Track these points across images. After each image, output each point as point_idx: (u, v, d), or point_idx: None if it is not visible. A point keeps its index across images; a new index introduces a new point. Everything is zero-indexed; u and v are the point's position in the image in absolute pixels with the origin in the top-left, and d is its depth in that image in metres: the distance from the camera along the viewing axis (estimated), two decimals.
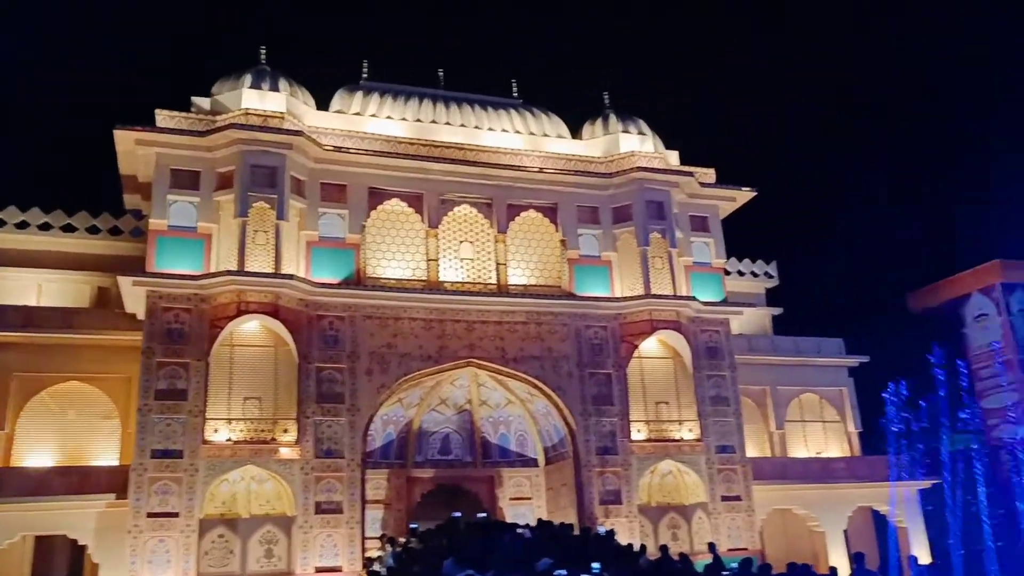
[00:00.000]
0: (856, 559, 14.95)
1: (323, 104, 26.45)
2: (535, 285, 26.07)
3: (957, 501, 26.88)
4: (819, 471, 28.59)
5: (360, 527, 22.34)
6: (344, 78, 27.90)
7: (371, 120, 26.30)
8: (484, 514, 22.68)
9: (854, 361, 31.57)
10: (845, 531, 28.23)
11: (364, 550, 22.19)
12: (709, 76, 59.13)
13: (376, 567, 19.07)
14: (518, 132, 27.80)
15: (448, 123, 27.13)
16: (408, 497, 26.08)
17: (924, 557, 26.82)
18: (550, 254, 26.59)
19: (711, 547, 21.50)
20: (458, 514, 21.01)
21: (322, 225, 24.28)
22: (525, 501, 26.96)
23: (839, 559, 26.63)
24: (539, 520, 22.86)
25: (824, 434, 30.98)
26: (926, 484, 28.73)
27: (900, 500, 28.09)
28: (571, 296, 25.82)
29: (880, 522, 29.06)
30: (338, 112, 26.40)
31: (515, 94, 29.54)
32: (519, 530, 19.49)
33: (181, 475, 21.22)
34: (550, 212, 26.66)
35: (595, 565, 14.61)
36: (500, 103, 28.80)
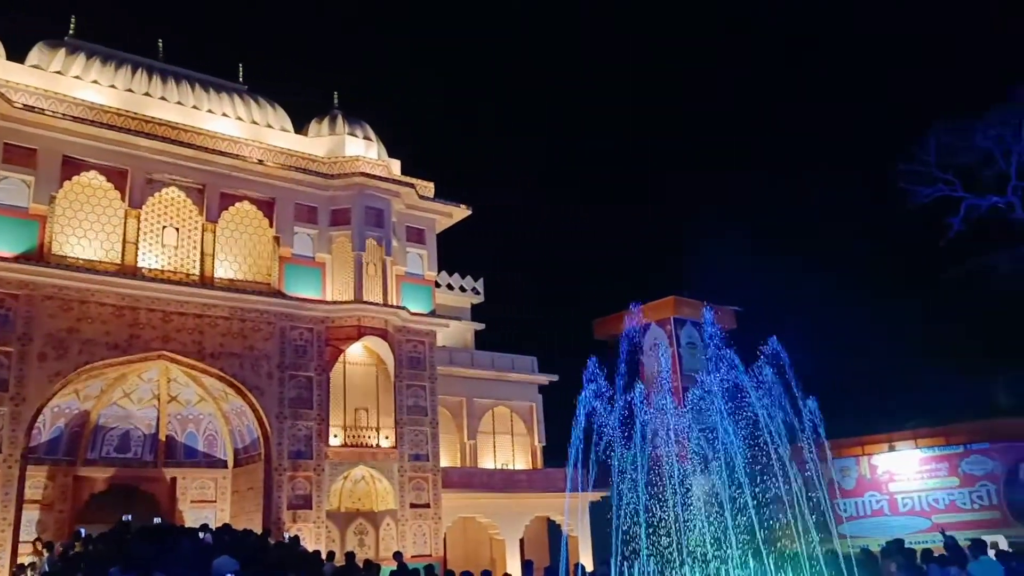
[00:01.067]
0: (525, 567, 15.95)
1: (18, 57, 23.69)
2: (242, 280, 25.10)
3: (623, 512, 29.49)
4: (503, 481, 30.10)
5: (13, 530, 20.05)
6: (46, 32, 25.23)
7: (74, 82, 23.95)
8: (159, 519, 21.34)
9: (544, 379, 33.65)
10: (522, 539, 29.92)
11: (15, 556, 19.94)
12: (433, 89, 60.62)
13: (29, 574, 17.23)
14: (240, 119, 26.69)
15: (164, 98, 25.42)
16: (75, 498, 23.81)
17: (589, 564, 29.11)
18: (261, 249, 25.76)
19: (396, 556, 21.84)
20: (128, 517, 19.57)
21: (1, 190, 21.66)
22: (209, 504, 25.73)
23: (514, 566, 28.18)
24: (223, 525, 21.90)
25: (512, 447, 32.69)
26: (596, 496, 31.23)
27: (573, 511, 30.34)
28: (280, 295, 25.17)
29: (555, 531, 31.18)
30: (35, 67, 23.77)
31: (241, 79, 28.36)
32: (200, 535, 18.57)
33: None
34: (266, 206, 25.86)
35: None
36: (223, 86, 27.50)
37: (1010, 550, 15.89)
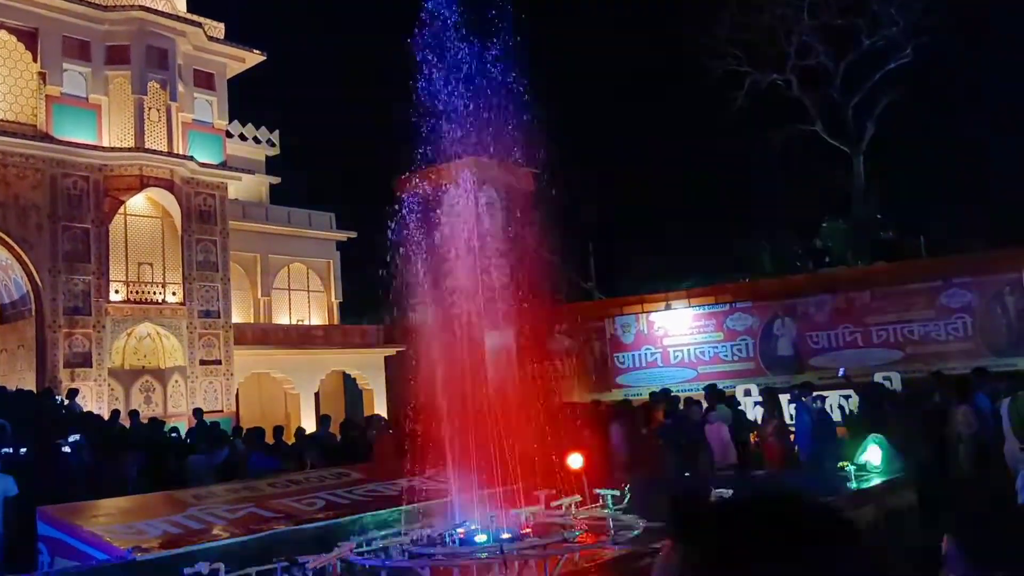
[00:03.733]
0: (322, 421, 16.21)
1: None
2: (2, 120, 22.57)
3: (419, 366, 30.27)
4: (298, 338, 29.95)
5: None
6: None
7: None
8: None
9: (343, 236, 33.21)
10: (317, 393, 30.20)
11: None
12: None
13: None
14: None
15: None
16: None
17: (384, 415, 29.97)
18: (24, 87, 23.16)
19: (196, 412, 21.29)
20: None
21: None
22: None
23: (308, 420, 28.49)
24: None
25: (309, 303, 32.38)
26: (391, 351, 31.85)
27: (369, 365, 30.86)
28: (47, 138, 22.91)
29: (351, 385, 31.67)
30: None
31: None
32: None
33: None
34: (28, 37, 23.08)
35: (74, 437, 13.59)
36: None
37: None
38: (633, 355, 29.38)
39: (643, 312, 29.61)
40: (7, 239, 22.10)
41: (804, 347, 25.26)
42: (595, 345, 31.09)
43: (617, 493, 8.32)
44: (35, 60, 23.10)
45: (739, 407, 16.05)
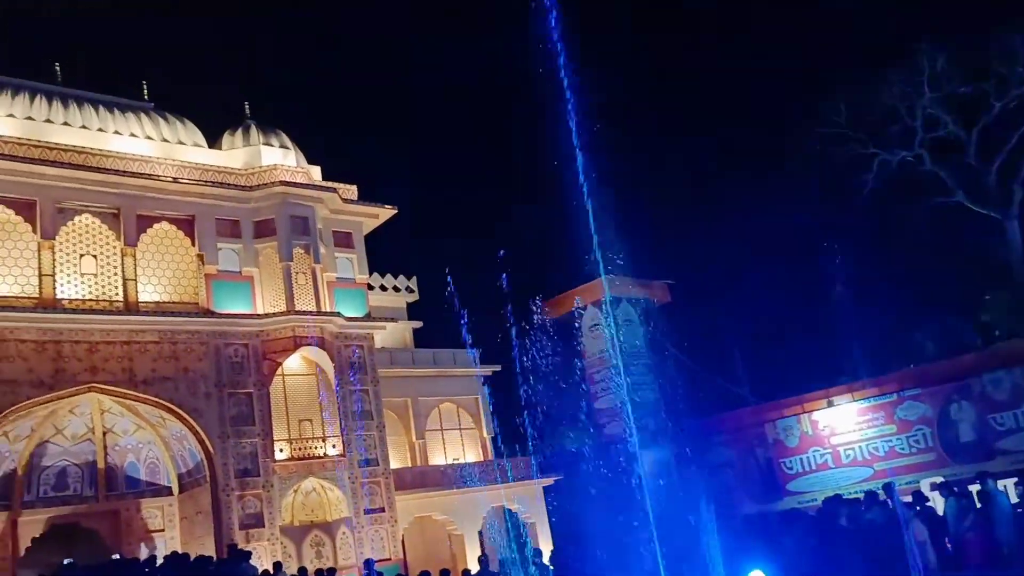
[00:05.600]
0: (481, 563, 15.96)
1: None
2: (169, 302, 24.48)
3: (576, 494, 29.72)
4: (455, 477, 30.03)
5: None
6: None
7: None
8: (116, 556, 20.79)
9: (488, 370, 33.60)
10: (480, 531, 29.94)
11: None
12: (350, 92, 59.96)
13: None
14: (149, 138, 25.97)
15: (67, 123, 24.60)
16: (14, 544, 23.03)
17: (547, 548, 29.31)
18: (185, 269, 25.15)
19: (367, 563, 21.49)
20: (69, 561, 18.94)
21: None
22: (157, 534, 25.13)
23: (474, 560, 28.18)
24: (172, 553, 21.41)
25: (461, 440, 32.62)
26: (549, 481, 31.45)
27: (528, 498, 30.49)
28: (209, 313, 24.61)
29: (513, 519, 31.28)
30: None
31: (146, 97, 27.60)
32: (147, 569, 18.12)
33: None
34: (186, 224, 25.23)
35: None
36: (128, 105, 26.73)
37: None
38: (801, 459, 27.90)
39: (804, 412, 28.30)
40: (179, 411, 23.52)
41: (987, 430, 23.33)
42: (757, 452, 29.76)
43: None
44: (193, 244, 25.14)
45: (927, 503, 14.81)
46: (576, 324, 41.52)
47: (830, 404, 27.72)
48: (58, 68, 26.24)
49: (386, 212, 29.48)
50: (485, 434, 32.93)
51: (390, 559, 24.94)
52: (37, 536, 23.43)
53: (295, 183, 26.57)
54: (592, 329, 40.90)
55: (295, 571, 20.25)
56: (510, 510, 31.08)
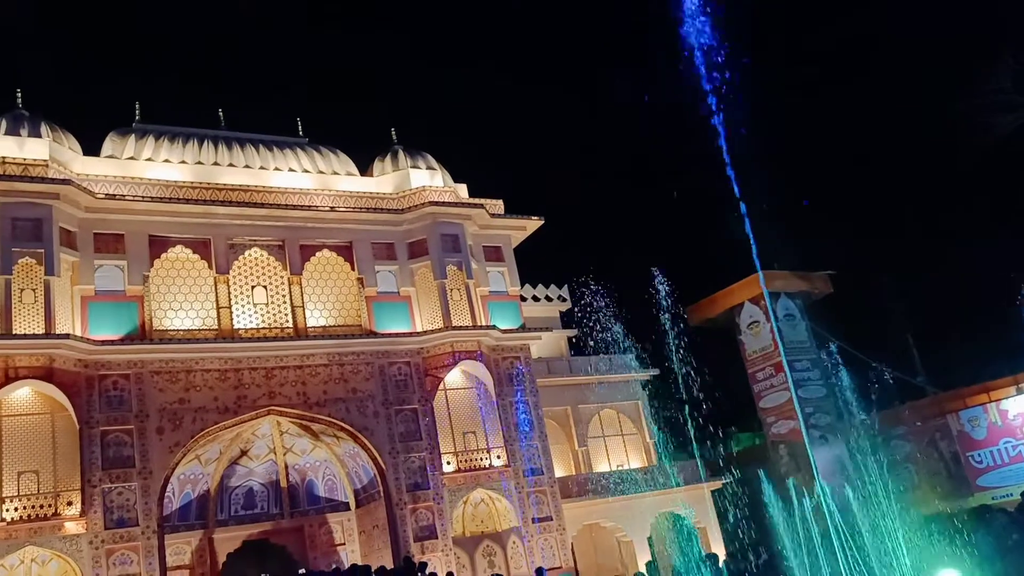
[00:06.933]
0: (649, 568, 15.76)
1: (92, 150, 24.87)
2: (334, 326, 25.65)
3: (744, 497, 28.87)
4: (620, 483, 29.82)
5: None
6: (114, 121, 26.42)
7: (147, 164, 25.00)
8: (303, 571, 21.93)
9: (646, 375, 33.24)
10: (649, 537, 29.59)
11: None
12: (492, 108, 60.98)
13: None
14: (306, 171, 27.37)
15: (232, 164, 26.29)
16: (212, 560, 24.72)
17: (721, 553, 28.59)
18: (347, 293, 26.28)
19: (539, 572, 21.72)
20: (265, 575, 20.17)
21: (99, 278, 22.74)
22: (340, 547, 26.31)
23: (644, 565, 27.85)
24: (353, 565, 22.33)
25: (624, 446, 32.37)
26: (717, 484, 30.69)
27: (696, 502, 29.85)
28: (372, 334, 25.62)
29: (682, 524, 30.72)
30: (110, 157, 24.91)
31: (300, 133, 29.11)
32: None
33: None
34: (345, 251, 26.39)
35: None
36: (285, 142, 28.28)
37: None
38: (991, 452, 26.01)
39: (991, 401, 26.37)
40: (351, 429, 24.56)
41: None
42: (941, 446, 27.97)
43: None
44: (353, 268, 26.26)
45: None
46: (735, 321, 40.41)
47: (1020, 391, 25.71)
48: (221, 113, 28.10)
49: (533, 223, 29.77)
50: (648, 439, 32.53)
51: (560, 567, 25.05)
52: (231, 552, 25.02)
53: (443, 202, 27.29)
54: (751, 327, 39.70)
55: None
56: (679, 515, 30.54)
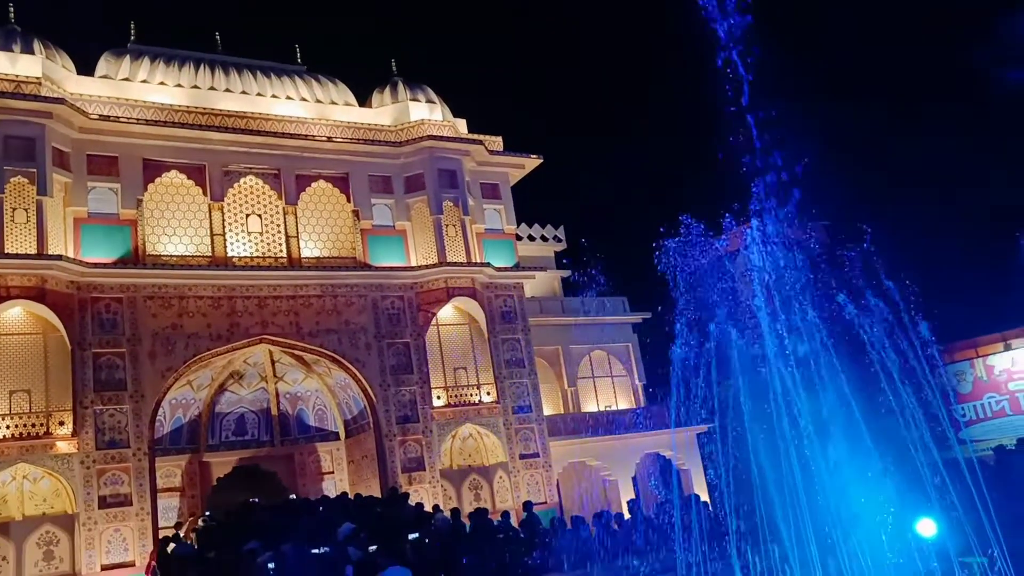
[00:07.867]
0: (631, 507, 16.07)
1: (86, 69, 24.45)
2: (328, 257, 25.59)
3: (729, 442, 29.19)
4: (608, 423, 30.18)
5: (152, 518, 21.23)
6: (108, 41, 25.93)
7: (142, 86, 24.61)
8: (293, 495, 22.32)
9: (637, 318, 33.40)
10: (634, 477, 30.06)
11: (156, 539, 21.12)
12: (493, 44, 60.05)
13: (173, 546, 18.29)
14: (304, 100, 27.00)
15: (228, 90, 25.89)
16: (203, 483, 25.07)
17: (704, 495, 29.08)
18: (343, 225, 26.16)
19: (526, 505, 22.09)
20: (256, 500, 20.50)
21: (92, 200, 22.57)
22: (328, 476, 26.68)
23: (626, 503, 28.34)
24: (342, 493, 22.70)
25: (613, 388, 32.69)
26: (702, 428, 31.04)
27: (681, 445, 30.26)
28: (366, 267, 25.58)
29: (667, 466, 31.19)
30: (104, 78, 24.50)
31: (299, 60, 28.63)
32: (320, 508, 19.30)
33: None
34: (341, 182, 26.19)
35: (413, 535, 14.75)
36: (283, 70, 27.83)
37: None
38: (975, 406, 26.32)
39: (978, 357, 26.60)
40: (343, 360, 24.71)
41: None
42: (927, 399, 28.23)
43: (984, 560, 7.34)
44: (348, 200, 26.09)
45: None
46: (724, 267, 40.27)
47: (1007, 347, 25.93)
48: (218, 37, 27.58)
49: (532, 162, 29.54)
50: (637, 382, 32.86)
51: (545, 503, 25.48)
52: (222, 476, 25.37)
53: (442, 137, 27.02)
54: (744, 275, 39.63)
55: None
56: (664, 456, 31.01)
